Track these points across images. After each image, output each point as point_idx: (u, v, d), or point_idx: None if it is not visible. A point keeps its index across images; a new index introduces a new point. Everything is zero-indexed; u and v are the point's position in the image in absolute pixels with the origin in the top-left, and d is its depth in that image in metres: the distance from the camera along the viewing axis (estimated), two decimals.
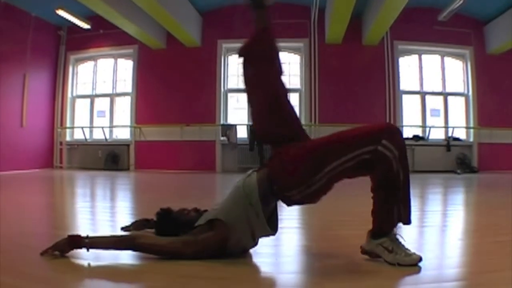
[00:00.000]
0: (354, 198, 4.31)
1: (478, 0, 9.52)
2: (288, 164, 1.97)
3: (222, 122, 10.20)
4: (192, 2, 9.87)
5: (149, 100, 10.65)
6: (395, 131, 1.92)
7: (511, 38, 9.92)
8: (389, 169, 1.85)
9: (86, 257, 1.96)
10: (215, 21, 10.44)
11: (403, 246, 1.90)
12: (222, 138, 10.07)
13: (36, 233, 2.66)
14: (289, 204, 2.10)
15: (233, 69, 10.34)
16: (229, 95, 10.38)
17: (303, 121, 10.12)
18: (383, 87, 10.05)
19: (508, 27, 9.95)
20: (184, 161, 10.25)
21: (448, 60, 10.53)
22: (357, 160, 1.88)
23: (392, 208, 1.89)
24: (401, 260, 1.85)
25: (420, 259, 1.85)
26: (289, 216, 3.25)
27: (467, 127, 10.31)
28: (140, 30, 9.48)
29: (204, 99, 10.30)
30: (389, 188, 1.88)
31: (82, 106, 11.21)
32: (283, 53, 10.36)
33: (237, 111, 10.23)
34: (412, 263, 1.83)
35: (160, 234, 2.10)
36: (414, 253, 1.87)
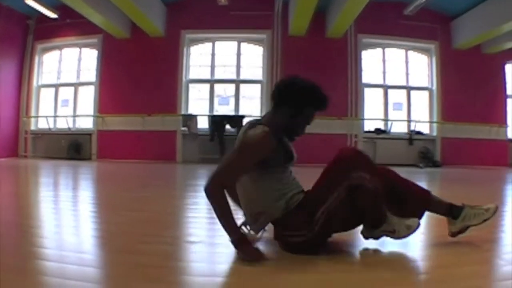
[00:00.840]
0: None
1: None
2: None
3: (183, 112, 10.12)
4: None
5: (112, 90, 10.58)
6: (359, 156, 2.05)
7: (477, 34, 9.88)
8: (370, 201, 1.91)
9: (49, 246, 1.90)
10: (179, 12, 10.38)
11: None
12: (183, 129, 9.99)
13: (3, 221, 2.61)
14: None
15: (195, 60, 10.26)
16: (191, 85, 10.31)
17: (264, 113, 10.05)
18: (345, 80, 9.97)
19: (475, 23, 9.89)
20: (145, 151, 10.18)
21: (412, 54, 10.46)
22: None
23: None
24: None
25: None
26: None
27: (431, 122, 10.22)
28: (105, 19, 9.43)
29: (166, 89, 10.23)
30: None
31: (47, 95, 11.14)
32: (245, 44, 10.34)
33: (198, 102, 10.15)
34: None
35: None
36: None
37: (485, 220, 2.02)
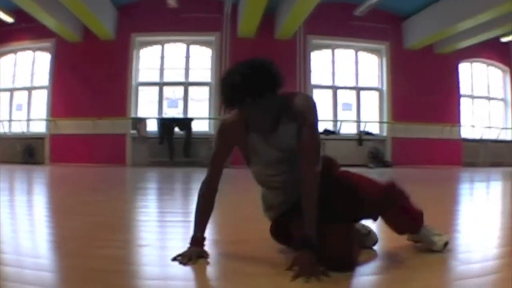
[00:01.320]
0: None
1: None
2: None
3: (133, 115, 10.12)
4: None
5: (64, 93, 10.58)
6: None
7: (430, 34, 9.85)
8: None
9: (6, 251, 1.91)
10: (129, 15, 10.38)
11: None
12: (132, 132, 9.98)
13: None
14: None
15: (145, 63, 10.26)
16: (140, 88, 10.30)
17: (212, 115, 10.05)
18: (294, 81, 9.92)
19: (427, 23, 9.87)
20: (96, 154, 10.17)
21: (362, 55, 10.41)
22: None
23: None
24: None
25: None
26: None
27: (381, 122, 10.18)
28: (58, 23, 9.46)
29: (116, 93, 10.23)
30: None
31: (2, 100, 11.16)
32: (194, 46, 10.33)
33: (147, 104, 10.14)
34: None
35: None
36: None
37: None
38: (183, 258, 1.72)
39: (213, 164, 1.84)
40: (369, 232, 1.95)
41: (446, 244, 1.84)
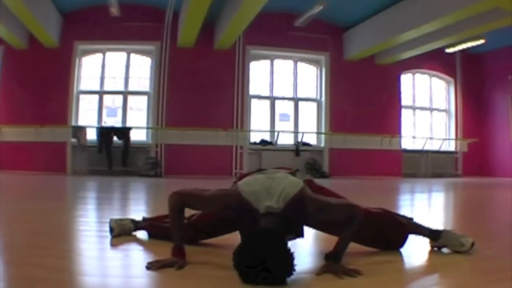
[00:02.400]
0: None
1: (339, 7, 9.43)
2: None
3: (73, 123, 10.19)
4: (54, 2, 9.87)
5: (10, 100, 10.62)
6: None
7: (370, 45, 9.88)
8: None
9: None
10: (73, 22, 10.41)
11: None
12: (73, 140, 10.05)
13: None
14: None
15: (87, 71, 10.33)
16: (81, 96, 10.37)
17: (150, 124, 10.12)
18: (232, 91, 9.99)
19: (368, 35, 9.89)
20: (37, 162, 10.22)
21: (302, 65, 10.45)
22: None
23: None
24: None
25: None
26: None
27: (318, 132, 10.22)
28: (6, 30, 9.50)
29: (59, 100, 10.28)
30: None
31: None
32: (134, 55, 10.39)
33: (88, 113, 10.21)
34: None
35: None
36: None
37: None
38: (153, 264, 1.84)
39: (201, 201, 1.98)
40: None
41: (473, 244, 2.10)
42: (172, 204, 1.97)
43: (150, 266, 1.82)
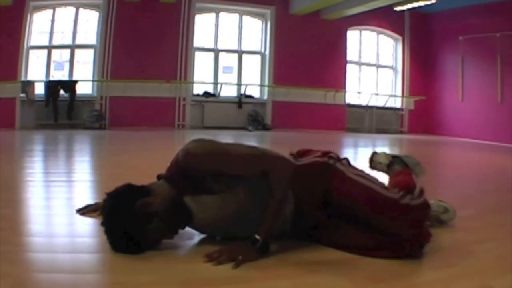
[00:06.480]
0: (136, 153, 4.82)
1: None
2: None
3: (23, 79, 10.37)
4: None
5: None
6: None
7: (315, 1, 9.97)
8: None
9: None
10: None
11: None
12: (21, 95, 10.23)
13: None
14: None
15: (38, 27, 10.51)
16: (31, 52, 10.55)
17: (96, 78, 10.29)
18: (176, 43, 10.13)
19: None
20: None
21: (247, 19, 10.59)
22: None
23: None
24: None
25: None
26: None
27: (261, 85, 10.35)
28: None
29: (8, 57, 10.46)
30: None
31: None
32: (82, 9, 10.56)
33: (37, 68, 10.39)
34: None
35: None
36: None
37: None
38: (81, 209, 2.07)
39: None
40: (445, 209, 2.12)
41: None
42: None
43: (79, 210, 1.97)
